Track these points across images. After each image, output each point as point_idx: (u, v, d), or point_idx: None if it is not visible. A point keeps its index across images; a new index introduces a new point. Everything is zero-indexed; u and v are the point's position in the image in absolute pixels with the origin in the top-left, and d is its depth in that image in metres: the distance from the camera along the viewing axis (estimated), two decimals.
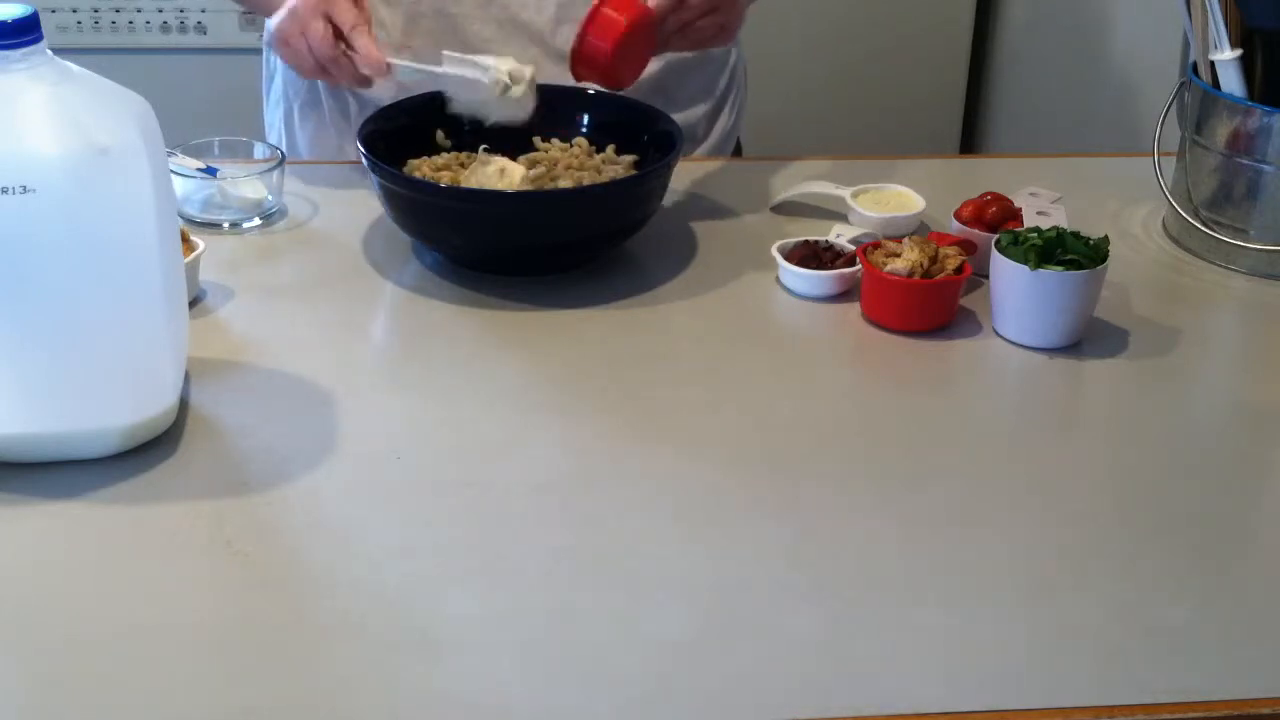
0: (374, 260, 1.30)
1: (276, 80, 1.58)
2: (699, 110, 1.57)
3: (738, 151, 1.66)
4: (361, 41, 1.28)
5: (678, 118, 1.42)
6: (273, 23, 1.33)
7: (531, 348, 1.17)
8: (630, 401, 1.11)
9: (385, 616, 0.86)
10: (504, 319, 1.21)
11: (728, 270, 1.30)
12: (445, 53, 1.31)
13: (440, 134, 1.35)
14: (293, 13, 1.30)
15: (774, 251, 1.27)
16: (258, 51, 1.67)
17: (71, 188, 0.90)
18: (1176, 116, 1.40)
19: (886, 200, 1.37)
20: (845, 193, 1.36)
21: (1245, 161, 1.32)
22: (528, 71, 1.30)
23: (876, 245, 1.23)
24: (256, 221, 1.36)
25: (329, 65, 1.29)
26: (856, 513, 0.97)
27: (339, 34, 1.29)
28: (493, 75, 1.29)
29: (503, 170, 1.29)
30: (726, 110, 1.61)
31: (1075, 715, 0.81)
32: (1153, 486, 1.02)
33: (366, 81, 1.31)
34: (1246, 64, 1.32)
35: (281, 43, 1.32)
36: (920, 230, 1.33)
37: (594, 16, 1.27)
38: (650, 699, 0.81)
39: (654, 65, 1.49)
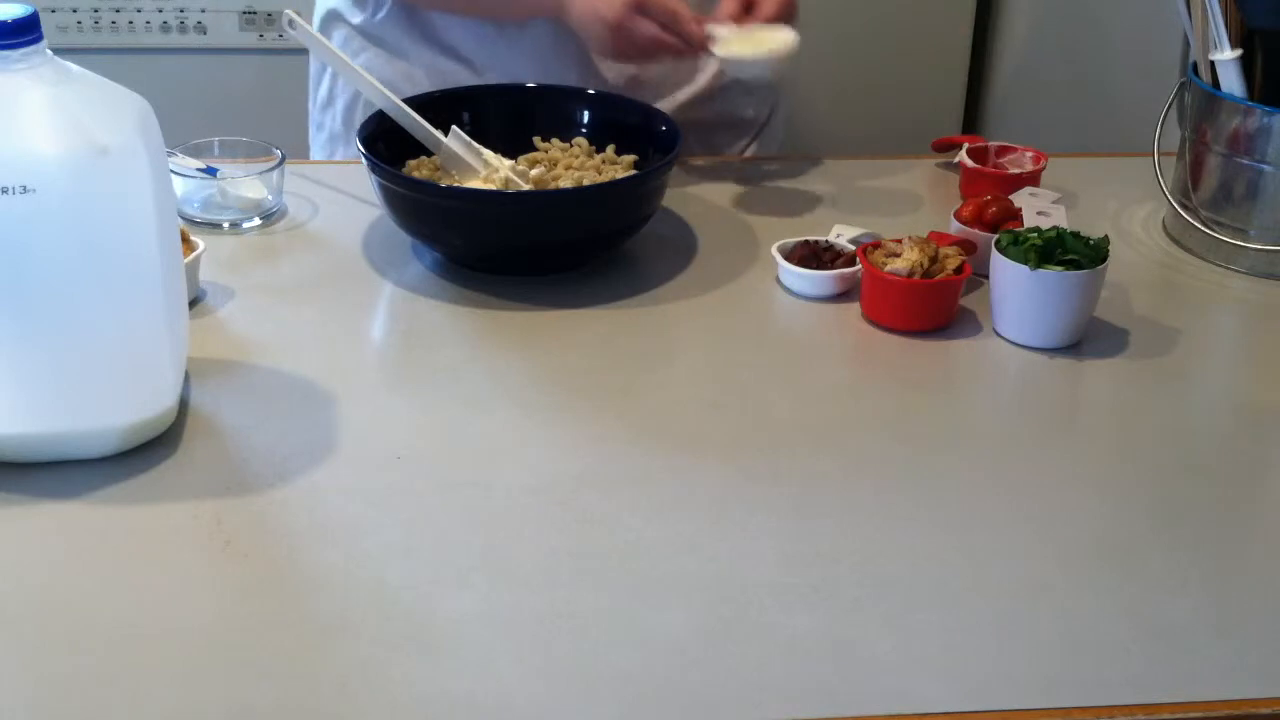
0: (374, 260, 1.30)
1: (326, 82, 1.56)
2: (768, 101, 1.60)
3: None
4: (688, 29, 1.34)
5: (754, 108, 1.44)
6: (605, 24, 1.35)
7: (531, 348, 1.17)
8: (630, 401, 1.11)
9: (385, 616, 0.86)
10: (504, 319, 1.21)
11: (728, 270, 1.30)
12: (454, 129, 1.32)
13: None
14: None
15: (774, 251, 1.27)
16: (258, 51, 1.67)
17: (71, 188, 0.90)
18: (1176, 116, 1.40)
19: (760, 40, 1.35)
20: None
21: (1245, 161, 1.32)
22: (528, 178, 1.30)
23: (876, 245, 1.23)
24: (256, 221, 1.36)
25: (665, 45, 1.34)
26: (857, 513, 0.97)
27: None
28: (488, 172, 1.30)
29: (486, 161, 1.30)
30: (783, 101, 1.64)
31: (1075, 715, 0.81)
32: (1153, 486, 1.02)
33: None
34: (1246, 64, 1.32)
35: (628, 40, 1.34)
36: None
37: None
38: (650, 699, 0.81)
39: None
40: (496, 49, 1.47)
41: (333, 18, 1.55)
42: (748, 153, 1.61)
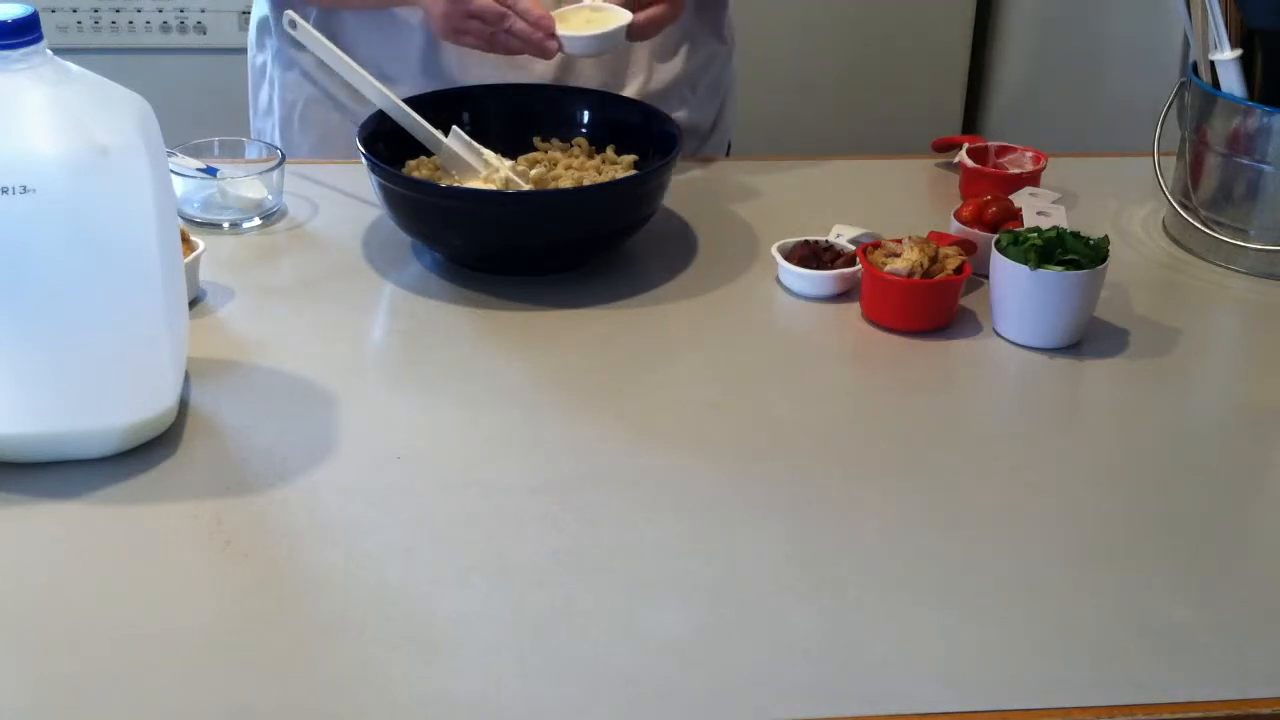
0: (374, 260, 1.30)
1: (265, 90, 1.57)
2: (710, 109, 1.58)
3: (727, 153, 1.67)
4: (523, 5, 1.31)
5: (689, 116, 1.41)
6: (435, 17, 1.34)
7: (531, 348, 1.17)
8: (630, 401, 1.11)
9: (385, 616, 0.86)
10: (504, 319, 1.21)
11: (728, 270, 1.30)
12: (454, 129, 1.32)
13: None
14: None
15: (774, 251, 1.27)
16: None
17: (71, 188, 0.90)
18: (1176, 116, 1.40)
19: (596, 19, 1.34)
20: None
21: (1245, 161, 1.32)
22: (528, 178, 1.29)
23: (876, 245, 1.23)
24: (256, 221, 1.36)
25: (499, 33, 1.31)
26: (856, 512, 0.97)
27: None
28: (488, 172, 1.30)
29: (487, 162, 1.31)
30: (728, 108, 1.62)
31: (1075, 715, 0.81)
32: (1153, 486, 1.02)
33: (544, 44, 1.32)
34: (1246, 64, 1.32)
35: (455, 31, 1.33)
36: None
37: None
38: (650, 699, 0.81)
39: (668, 73, 1.51)
40: (407, 58, 1.46)
41: (264, 28, 1.55)
42: None
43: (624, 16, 1.33)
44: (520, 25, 1.30)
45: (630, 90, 1.48)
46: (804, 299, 1.25)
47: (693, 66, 1.54)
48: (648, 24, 1.35)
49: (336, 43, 1.42)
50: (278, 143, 1.56)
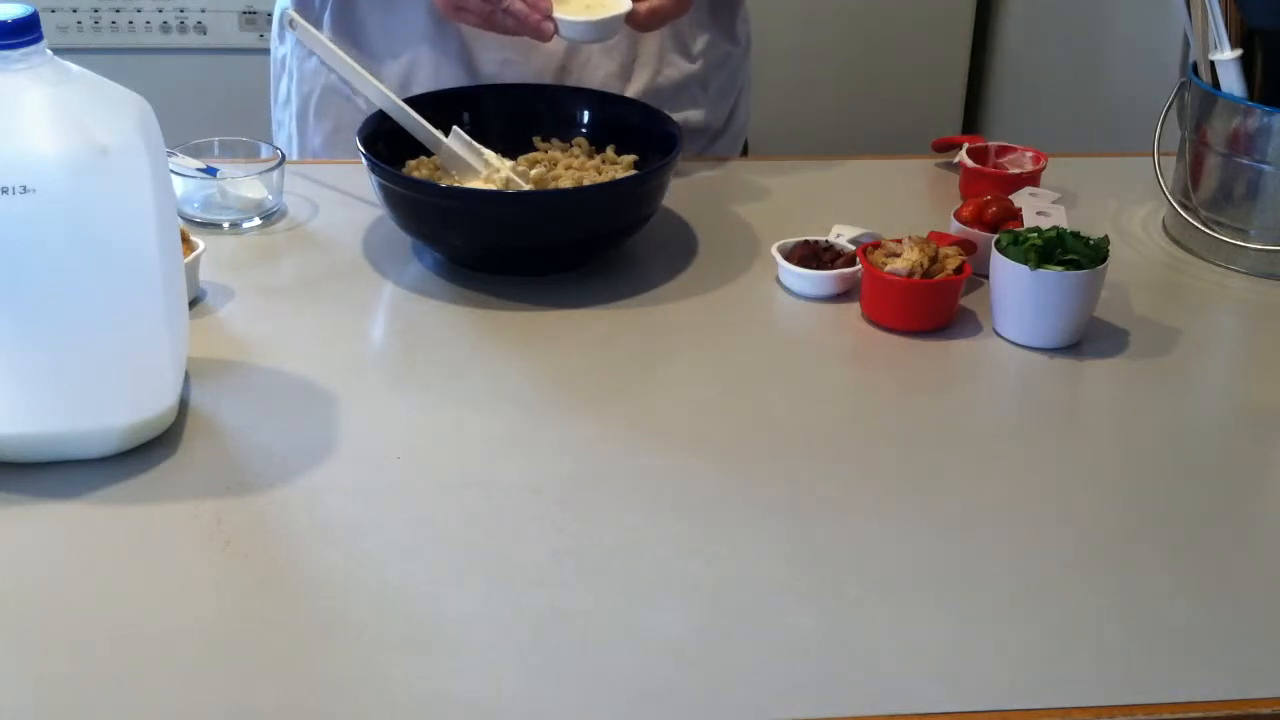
0: (374, 260, 1.30)
1: (284, 81, 1.57)
2: (722, 109, 1.58)
3: (744, 150, 1.67)
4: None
5: (701, 115, 1.41)
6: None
7: (531, 348, 1.17)
8: (630, 401, 1.11)
9: (385, 616, 0.86)
10: (504, 319, 1.21)
11: (728, 270, 1.30)
12: (455, 129, 1.32)
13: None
14: None
15: (774, 251, 1.27)
16: (258, 51, 1.67)
17: (71, 188, 0.90)
18: (1176, 116, 1.40)
19: (600, 5, 1.34)
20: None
21: (1245, 161, 1.32)
22: (528, 178, 1.30)
23: (876, 245, 1.23)
24: (256, 221, 1.36)
25: (497, 12, 1.31)
26: (856, 513, 0.97)
27: None
28: (489, 172, 1.30)
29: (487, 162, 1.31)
30: (740, 108, 1.62)
31: (1075, 715, 0.81)
32: (1153, 486, 1.02)
33: (540, 25, 1.32)
34: (1246, 64, 1.32)
35: (455, 10, 1.33)
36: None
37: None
38: (650, 699, 0.81)
39: (677, 71, 1.51)
40: (414, 36, 1.46)
41: (285, 22, 1.55)
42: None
43: (624, 5, 1.33)
44: (518, 5, 1.30)
45: (637, 84, 1.48)
46: (804, 299, 1.25)
47: (704, 67, 1.53)
48: (649, 15, 1.35)
49: (349, 21, 1.43)
50: (294, 133, 1.56)
